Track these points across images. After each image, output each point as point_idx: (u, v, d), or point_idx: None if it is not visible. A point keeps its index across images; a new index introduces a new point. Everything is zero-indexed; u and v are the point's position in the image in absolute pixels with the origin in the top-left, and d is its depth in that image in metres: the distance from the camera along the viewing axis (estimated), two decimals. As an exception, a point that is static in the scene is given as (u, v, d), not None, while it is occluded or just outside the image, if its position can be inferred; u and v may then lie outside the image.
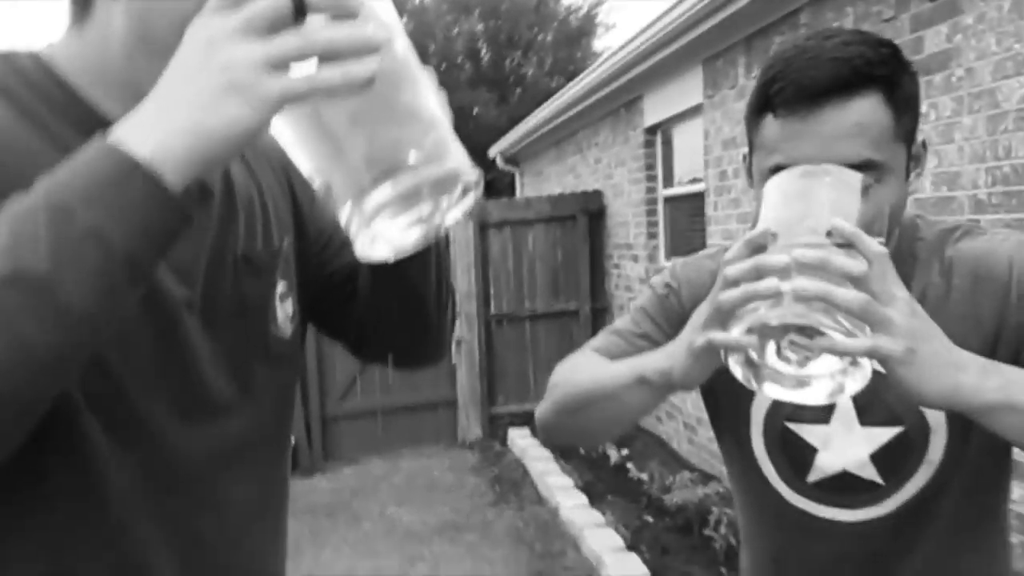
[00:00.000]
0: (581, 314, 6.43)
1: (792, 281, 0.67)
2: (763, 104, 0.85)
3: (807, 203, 0.73)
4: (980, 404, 0.70)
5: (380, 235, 0.54)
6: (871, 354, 0.68)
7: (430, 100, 0.55)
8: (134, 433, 0.67)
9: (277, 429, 0.82)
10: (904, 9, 2.86)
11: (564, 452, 5.26)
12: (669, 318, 1.00)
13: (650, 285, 1.06)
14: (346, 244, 0.84)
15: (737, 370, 0.73)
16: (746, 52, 4.03)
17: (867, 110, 0.80)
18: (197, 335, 0.71)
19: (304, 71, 0.50)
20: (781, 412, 0.96)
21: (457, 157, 0.54)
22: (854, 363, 0.69)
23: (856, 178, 0.74)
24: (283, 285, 0.80)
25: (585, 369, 0.98)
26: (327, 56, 0.49)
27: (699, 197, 4.79)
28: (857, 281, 0.67)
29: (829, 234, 0.69)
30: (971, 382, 0.70)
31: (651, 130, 5.57)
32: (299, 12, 0.49)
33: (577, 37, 15.13)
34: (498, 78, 14.30)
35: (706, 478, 4.47)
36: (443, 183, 0.53)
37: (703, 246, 4.69)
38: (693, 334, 0.77)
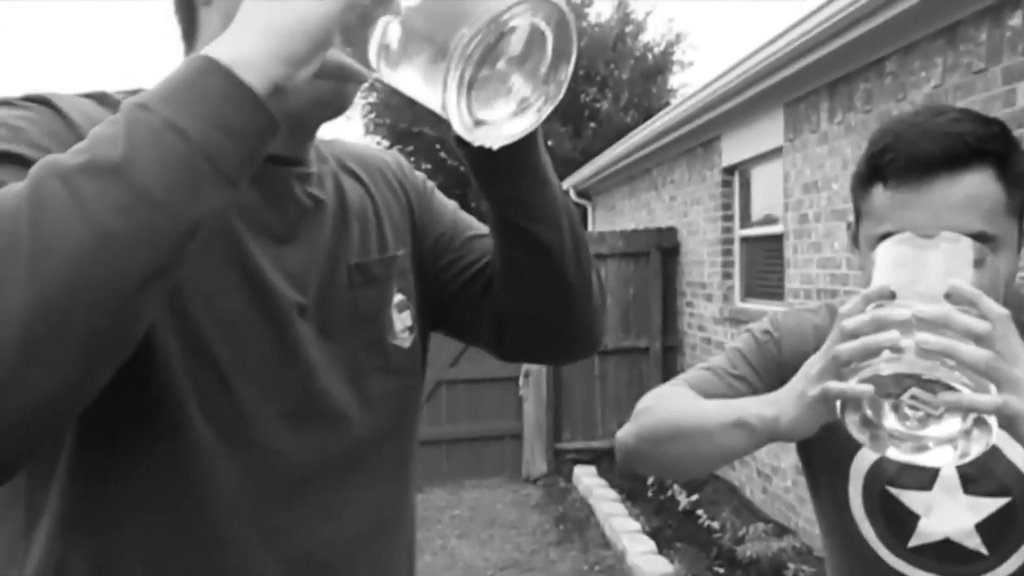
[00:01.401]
0: (651, 351, 6.38)
1: (914, 336, 0.66)
2: (873, 174, 0.88)
3: (922, 268, 0.73)
4: None
5: (485, 122, 0.54)
6: (1000, 411, 0.66)
7: None
8: (243, 436, 0.66)
9: (397, 442, 0.79)
10: (996, 61, 2.80)
11: (631, 493, 5.20)
12: (766, 365, 1.00)
13: (748, 330, 1.07)
14: (470, 240, 0.85)
15: (853, 429, 0.71)
16: (829, 97, 4.00)
17: (979, 184, 0.83)
18: (311, 342, 0.71)
19: None
20: (882, 475, 0.96)
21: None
22: (979, 423, 0.68)
23: (970, 247, 0.75)
24: (400, 296, 0.80)
25: (678, 401, 0.97)
26: None
27: (777, 239, 4.73)
28: (980, 340, 0.67)
29: (947, 297, 0.69)
30: None
31: (729, 170, 5.54)
32: None
33: (653, 74, 15.19)
34: (573, 112, 14.44)
35: (781, 530, 4.34)
36: (521, 47, 0.52)
37: (780, 288, 4.62)
38: (806, 383, 0.77)
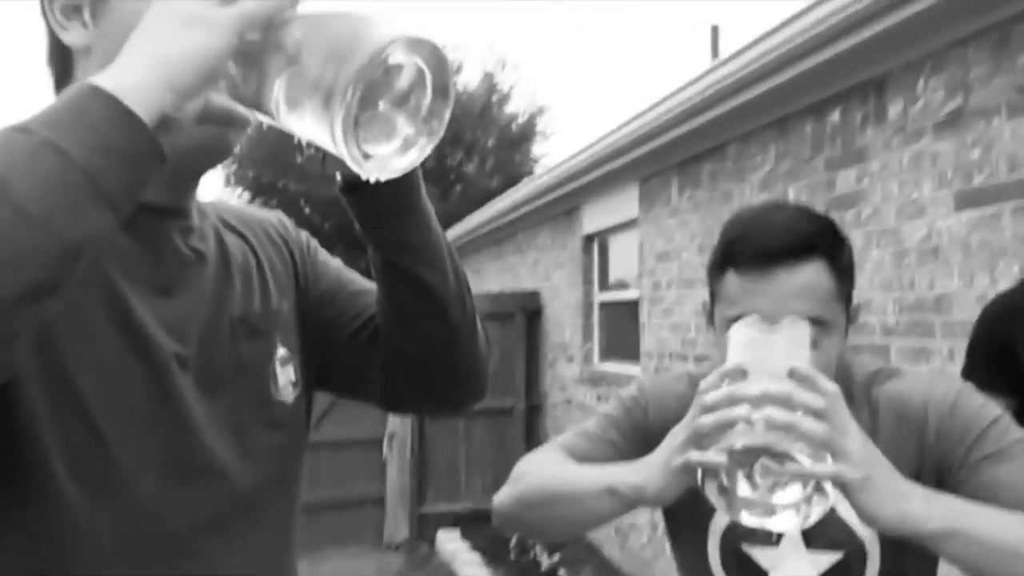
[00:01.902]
0: (515, 411, 6.48)
1: (763, 411, 0.76)
2: (725, 260, 0.99)
3: (767, 349, 0.85)
4: (928, 531, 0.79)
5: (371, 156, 0.56)
6: (834, 478, 0.76)
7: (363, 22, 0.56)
8: (116, 493, 0.64)
9: (280, 499, 0.78)
10: (819, 151, 3.18)
11: (495, 555, 5.19)
12: (633, 430, 1.08)
13: (618, 396, 1.14)
14: (355, 294, 0.85)
15: (712, 495, 0.79)
16: (679, 175, 4.35)
17: (813, 274, 0.94)
18: (191, 394, 0.69)
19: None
20: (736, 534, 1.04)
21: (382, 34, 0.53)
22: (819, 490, 0.77)
23: (807, 330, 0.88)
24: (283, 350, 0.78)
25: (553, 466, 1.02)
26: None
27: (633, 304, 5.01)
28: (817, 415, 0.76)
29: (789, 375, 0.80)
30: (918, 509, 0.79)
31: (589, 238, 5.84)
32: None
33: (518, 142, 15.84)
34: (440, 175, 14.71)
35: (636, 584, 4.48)
36: (403, 89, 0.55)
37: (636, 350, 4.87)
38: (670, 453, 0.84)
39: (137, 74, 0.52)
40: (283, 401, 0.78)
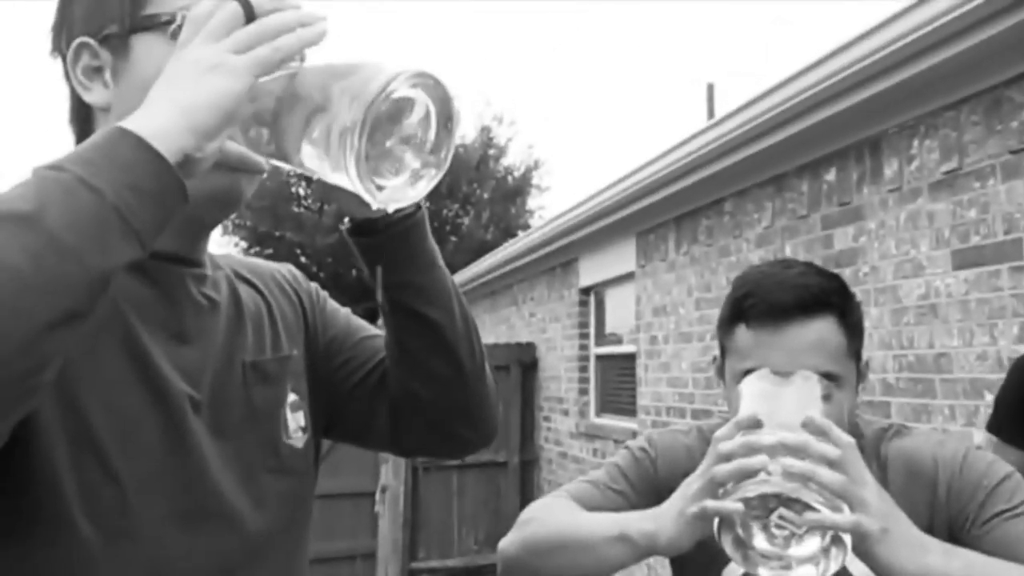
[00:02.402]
0: (510, 465, 6.40)
1: (780, 460, 0.76)
2: (737, 316, 1.00)
3: (780, 401, 0.85)
4: None
5: (383, 188, 0.59)
6: (854, 529, 0.75)
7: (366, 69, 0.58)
8: (129, 534, 0.64)
9: (290, 543, 0.78)
10: (816, 209, 3.23)
11: (487, 613, 5.06)
12: (642, 481, 1.07)
13: (627, 447, 1.14)
14: (362, 340, 0.87)
15: (728, 547, 0.78)
16: (676, 229, 4.39)
17: (825, 330, 0.96)
18: (204, 438, 0.70)
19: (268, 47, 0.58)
20: None
21: (383, 76, 0.56)
22: (836, 542, 0.75)
23: (819, 384, 0.88)
24: (294, 396, 0.80)
25: (561, 513, 1.01)
26: (282, 31, 0.58)
27: (630, 358, 5.00)
28: (833, 465, 0.76)
29: (803, 426, 0.80)
30: (938, 562, 0.79)
31: (586, 291, 5.86)
32: (249, 18, 0.59)
33: (513, 195, 16.01)
34: (436, 226, 14.80)
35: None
36: (410, 125, 0.58)
37: (633, 405, 4.84)
38: (684, 502, 0.83)
39: (161, 118, 0.55)
40: (293, 445, 0.79)
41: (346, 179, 0.57)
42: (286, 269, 0.91)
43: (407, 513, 6.03)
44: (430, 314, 0.78)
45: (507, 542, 1.03)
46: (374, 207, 0.60)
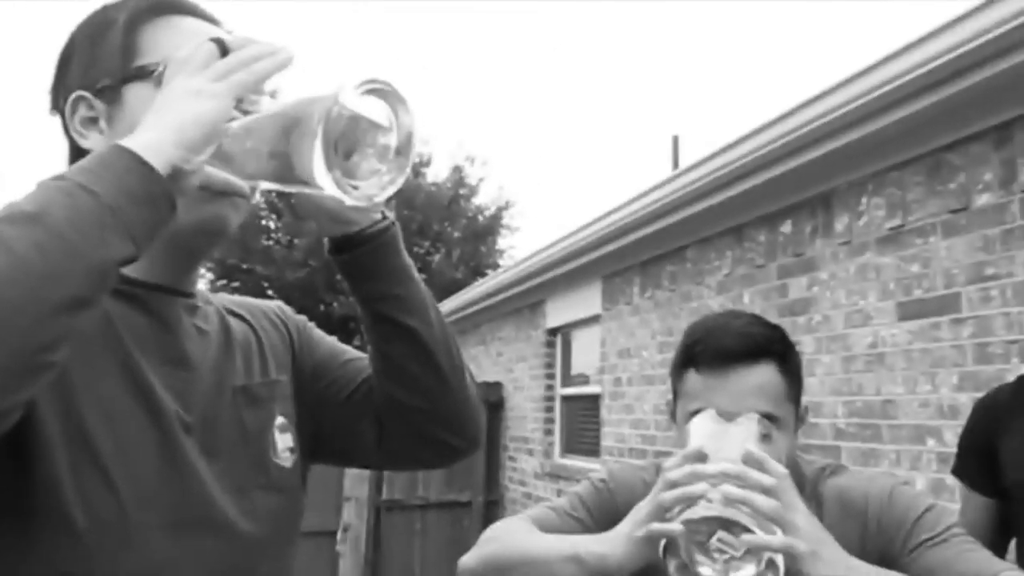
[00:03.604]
0: (474, 505, 6.38)
1: (720, 488, 0.84)
2: (687, 361, 1.09)
3: (724, 439, 0.94)
4: None
5: (358, 189, 0.65)
6: (785, 549, 0.83)
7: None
8: (124, 539, 0.68)
9: (278, 559, 0.82)
10: (772, 259, 3.37)
11: (447, 656, 5.00)
12: (601, 510, 1.14)
13: (588, 478, 1.21)
14: (347, 363, 0.93)
15: (673, 572, 0.86)
16: (641, 274, 4.51)
17: (766, 375, 1.05)
18: (196, 456, 0.74)
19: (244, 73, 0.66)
20: None
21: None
22: (770, 566, 0.84)
23: (759, 424, 0.97)
24: (281, 419, 0.85)
25: (521, 533, 1.08)
26: (254, 60, 0.66)
27: (594, 399, 5.07)
28: (768, 492, 0.85)
29: (743, 460, 0.88)
30: None
31: (552, 331, 5.94)
32: (224, 54, 0.68)
33: (483, 235, 16.15)
34: (406, 263, 14.79)
35: None
36: (371, 132, 0.65)
37: (597, 445, 4.90)
38: (633, 526, 0.91)
39: (152, 135, 0.62)
40: (282, 465, 0.84)
41: (321, 181, 0.63)
42: (276, 304, 0.98)
43: (368, 553, 5.96)
44: (409, 322, 0.84)
45: (468, 558, 1.10)
46: (348, 203, 0.67)
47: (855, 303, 2.85)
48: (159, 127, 0.62)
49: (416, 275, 0.87)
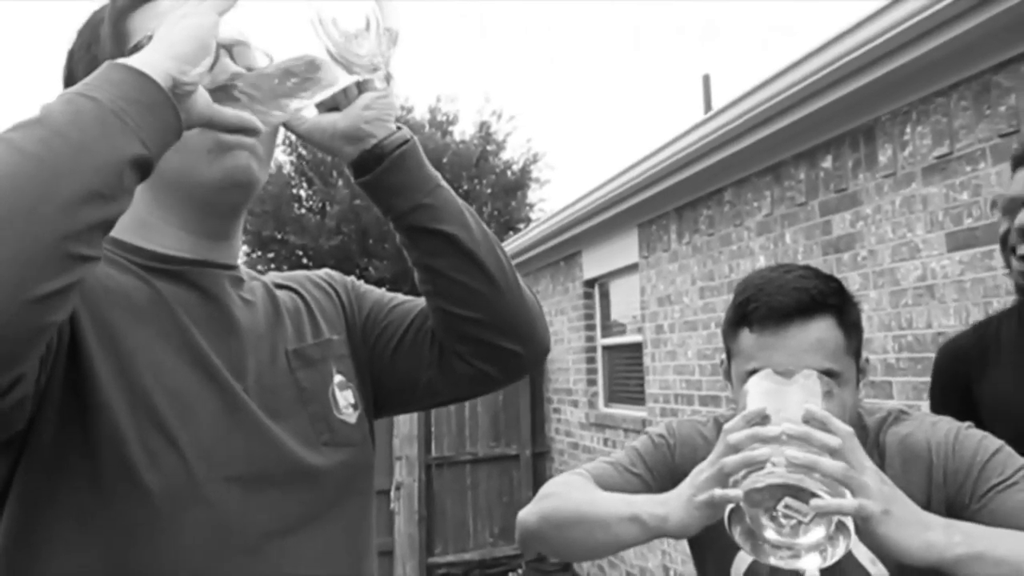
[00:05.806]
0: (522, 458, 6.48)
1: (784, 451, 0.81)
2: (740, 320, 1.06)
3: (784, 399, 0.91)
4: (954, 556, 0.82)
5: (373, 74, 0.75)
6: (857, 512, 0.79)
7: None
8: (191, 495, 0.70)
9: (353, 510, 0.83)
10: (814, 196, 3.30)
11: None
12: (660, 466, 1.14)
13: (647, 433, 1.21)
14: (398, 306, 0.95)
15: (738, 537, 0.83)
16: (678, 220, 4.46)
17: (824, 330, 1.02)
18: (259, 416, 0.76)
19: None
20: (758, 572, 1.09)
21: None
22: (840, 529, 0.80)
23: (819, 381, 0.94)
24: (340, 376, 0.86)
25: (579, 490, 1.07)
26: None
27: (636, 347, 5.08)
28: (834, 453, 0.81)
29: (805, 420, 0.85)
30: (940, 537, 0.83)
31: (590, 283, 5.93)
32: None
33: (513, 189, 16.05)
34: (438, 223, 14.80)
35: (649, 629, 4.44)
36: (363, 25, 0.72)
37: (641, 393, 4.92)
38: (694, 489, 0.89)
39: (145, 54, 0.64)
40: (346, 420, 0.84)
41: (343, 78, 0.72)
42: (323, 272, 0.99)
43: (422, 509, 6.12)
44: (445, 229, 0.84)
45: (527, 512, 1.10)
46: (361, 77, 0.75)
47: (902, 236, 2.79)
48: (152, 48, 0.65)
49: (444, 183, 0.87)
